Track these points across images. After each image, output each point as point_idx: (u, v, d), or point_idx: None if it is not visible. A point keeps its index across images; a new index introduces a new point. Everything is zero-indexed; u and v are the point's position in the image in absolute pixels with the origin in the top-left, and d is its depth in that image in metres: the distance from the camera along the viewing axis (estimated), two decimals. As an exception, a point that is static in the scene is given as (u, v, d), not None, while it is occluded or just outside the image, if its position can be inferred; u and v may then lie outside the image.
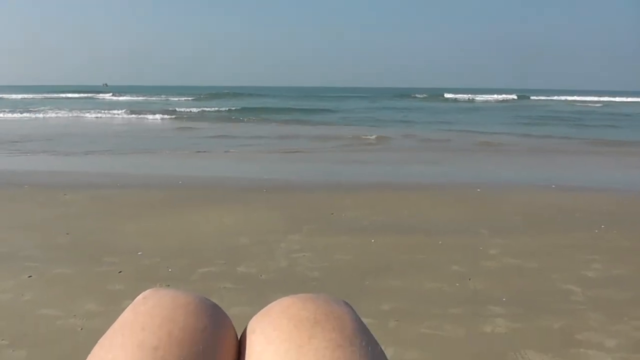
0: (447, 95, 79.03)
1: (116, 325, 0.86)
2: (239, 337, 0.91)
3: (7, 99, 66.27)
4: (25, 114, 37.74)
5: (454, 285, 5.48)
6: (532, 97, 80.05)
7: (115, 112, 38.90)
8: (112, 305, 4.89)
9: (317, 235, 7.25)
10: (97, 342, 0.82)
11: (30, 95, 74.41)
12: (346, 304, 0.92)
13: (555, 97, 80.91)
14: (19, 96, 72.47)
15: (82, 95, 77.36)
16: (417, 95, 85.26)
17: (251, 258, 6.26)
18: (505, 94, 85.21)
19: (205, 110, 41.68)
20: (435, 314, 4.78)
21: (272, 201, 9.38)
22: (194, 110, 42.39)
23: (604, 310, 4.90)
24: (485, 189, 10.56)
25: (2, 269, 5.88)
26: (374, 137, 23.35)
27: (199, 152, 18.39)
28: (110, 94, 79.42)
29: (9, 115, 36.99)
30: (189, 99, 67.81)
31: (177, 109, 41.88)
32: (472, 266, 6.06)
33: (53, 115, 37.46)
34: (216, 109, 43.58)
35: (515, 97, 76.67)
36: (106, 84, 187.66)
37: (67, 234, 7.26)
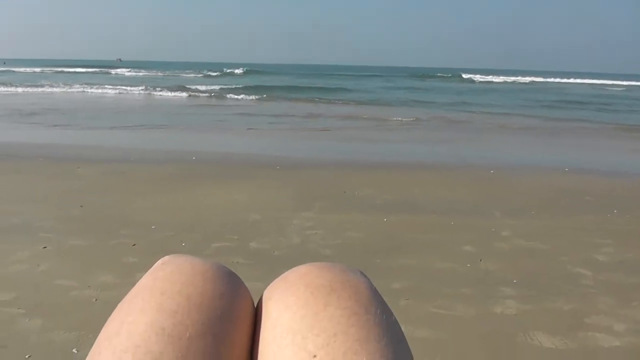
0: (464, 76, 77.13)
1: (135, 290, 0.88)
2: (255, 305, 0.93)
3: (23, 72, 66.26)
4: (43, 88, 37.19)
5: (465, 265, 5.50)
6: (551, 79, 77.72)
7: (136, 88, 37.91)
8: (126, 277, 4.94)
9: (329, 212, 7.27)
10: (112, 312, 0.84)
11: (47, 69, 74.38)
12: (362, 273, 0.93)
13: (575, 80, 78.90)
14: (36, 69, 72.53)
15: (98, 69, 77.23)
16: (438, 75, 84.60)
17: (263, 234, 6.29)
18: (522, 75, 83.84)
19: (224, 88, 40.52)
20: (445, 294, 4.80)
21: (285, 178, 9.40)
22: (214, 87, 41.40)
23: (614, 294, 4.91)
24: (499, 171, 10.55)
25: (17, 240, 5.93)
26: (391, 117, 23.15)
27: (222, 129, 18.40)
28: (129, 69, 79.04)
29: (28, 89, 36.05)
30: (204, 75, 67.44)
31: (197, 87, 40.76)
32: (484, 247, 6.07)
33: (73, 90, 36.79)
34: (234, 86, 42.45)
35: (532, 79, 74.62)
36: (120, 59, 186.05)
37: (81, 206, 7.30)
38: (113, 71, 73.74)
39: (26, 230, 6.28)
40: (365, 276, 0.93)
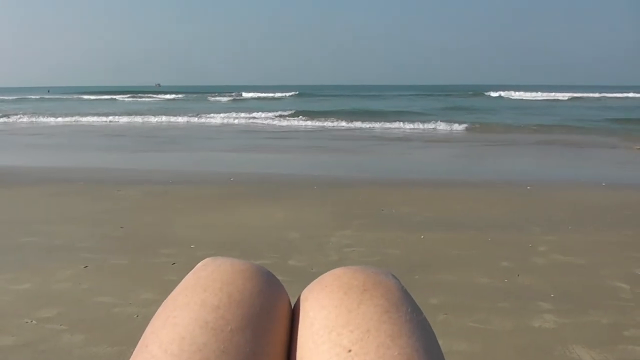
0: (493, 94, 74.39)
1: (179, 288, 0.94)
2: (292, 305, 0.98)
3: (76, 99, 66.63)
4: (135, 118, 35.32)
5: (503, 280, 5.48)
6: (590, 94, 73.73)
7: (232, 115, 35.69)
8: (166, 294, 4.93)
9: (367, 230, 7.29)
10: None
11: (94, 96, 74.86)
12: (393, 276, 0.98)
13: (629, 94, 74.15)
14: (86, 96, 73.19)
15: (152, 95, 77.24)
16: (459, 92, 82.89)
17: (302, 252, 6.33)
18: (556, 91, 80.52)
19: (297, 111, 37.84)
20: (483, 308, 4.80)
21: (323, 197, 9.45)
22: (270, 113, 37.42)
23: (653, 308, 4.87)
24: (536, 187, 10.49)
25: (60, 260, 6.04)
26: (429, 133, 23.07)
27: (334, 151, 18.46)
28: (173, 94, 78.98)
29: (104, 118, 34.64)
30: (259, 98, 67.31)
31: (261, 114, 37.16)
32: (521, 262, 6.05)
33: (170, 120, 34.24)
34: (293, 110, 39.66)
35: (571, 95, 70.82)
36: (159, 84, 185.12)
37: (122, 227, 7.42)
38: (158, 96, 74.21)
39: (67, 251, 6.39)
40: (395, 278, 0.97)
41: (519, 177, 12.12)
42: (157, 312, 0.89)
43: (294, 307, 0.97)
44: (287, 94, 73.19)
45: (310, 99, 66.07)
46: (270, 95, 71.14)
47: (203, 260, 1.03)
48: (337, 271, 0.97)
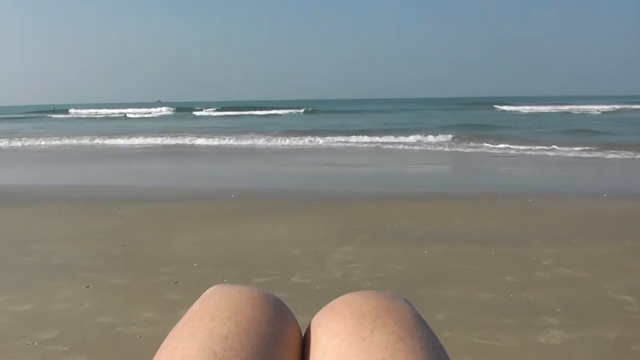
0: (501, 108, 73.58)
1: (185, 318, 0.91)
2: (302, 332, 0.96)
3: (86, 117, 66.47)
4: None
5: (508, 295, 5.45)
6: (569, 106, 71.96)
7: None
8: (169, 313, 4.97)
9: (369, 245, 7.27)
10: (156, 348, 0.87)
11: (114, 111, 75.02)
12: (406, 300, 0.95)
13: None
14: (93, 111, 73.36)
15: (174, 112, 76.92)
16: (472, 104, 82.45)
17: (304, 269, 6.30)
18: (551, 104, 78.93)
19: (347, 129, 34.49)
20: (489, 324, 4.76)
21: (324, 213, 9.43)
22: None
23: (660, 321, 4.84)
24: (537, 199, 10.48)
25: (61, 280, 6.01)
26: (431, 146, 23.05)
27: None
28: (212, 110, 78.47)
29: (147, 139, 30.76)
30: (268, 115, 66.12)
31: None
32: (526, 277, 6.01)
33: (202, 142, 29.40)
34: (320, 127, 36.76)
35: (570, 107, 69.28)
36: (160, 101, 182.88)
37: (123, 246, 7.38)
38: (153, 111, 74.27)
39: (69, 270, 6.36)
40: (409, 303, 0.95)
41: (520, 189, 12.12)
42: (163, 343, 0.87)
43: (305, 334, 0.95)
44: (294, 111, 71.76)
45: (317, 116, 64.74)
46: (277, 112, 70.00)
47: (210, 288, 1.00)
48: (348, 297, 0.95)
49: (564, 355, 4.20)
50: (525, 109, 68.44)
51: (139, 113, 73.80)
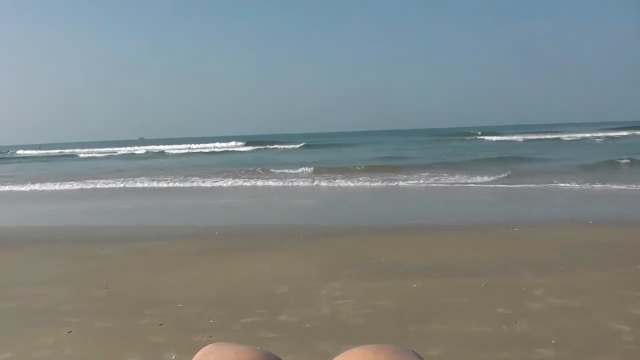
0: (498, 137, 70.78)
1: None
2: None
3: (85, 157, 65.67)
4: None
5: (501, 328, 5.35)
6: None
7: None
8: (154, 358, 4.85)
9: (357, 281, 7.17)
10: None
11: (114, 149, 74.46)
12: (416, 354, 0.87)
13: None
14: (94, 151, 72.86)
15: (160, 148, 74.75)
16: (453, 135, 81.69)
17: (292, 306, 6.20)
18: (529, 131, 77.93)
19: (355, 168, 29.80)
20: (484, 359, 4.67)
21: (309, 247, 9.34)
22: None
23: (657, 349, 4.76)
24: (523, 228, 10.45)
25: (42, 325, 5.89)
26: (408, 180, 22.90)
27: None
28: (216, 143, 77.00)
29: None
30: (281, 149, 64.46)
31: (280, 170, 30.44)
32: (517, 308, 5.93)
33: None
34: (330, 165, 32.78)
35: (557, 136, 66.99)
36: (143, 138, 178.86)
37: (106, 287, 7.27)
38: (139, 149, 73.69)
39: (50, 315, 6.25)
40: (418, 356, 0.86)
41: (505, 219, 12.08)
42: None
43: None
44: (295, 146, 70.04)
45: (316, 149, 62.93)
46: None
47: (204, 348, 0.90)
48: (356, 353, 0.86)
49: (562, 389, 4.11)
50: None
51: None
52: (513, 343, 5.00)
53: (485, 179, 22.10)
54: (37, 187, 25.58)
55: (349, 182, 22.43)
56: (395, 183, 21.72)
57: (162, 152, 66.74)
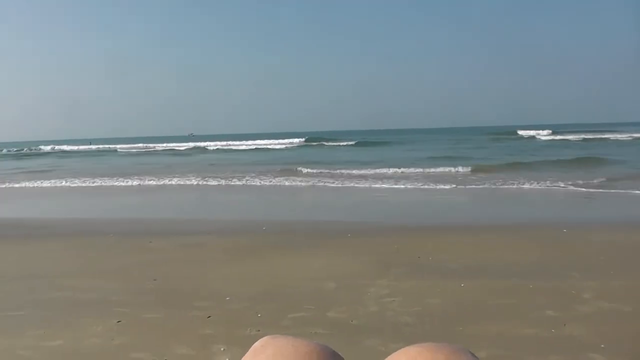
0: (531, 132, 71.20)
1: None
2: None
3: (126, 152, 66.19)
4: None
5: (550, 331, 5.29)
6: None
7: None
8: (203, 349, 4.88)
9: (405, 279, 7.14)
10: None
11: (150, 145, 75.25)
12: (472, 354, 0.87)
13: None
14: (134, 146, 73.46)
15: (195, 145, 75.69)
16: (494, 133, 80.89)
17: (340, 303, 6.20)
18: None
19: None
20: (533, 362, 4.63)
21: (358, 245, 9.34)
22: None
23: None
24: (572, 229, 10.30)
25: (92, 315, 5.97)
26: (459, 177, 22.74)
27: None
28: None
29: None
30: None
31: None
32: (566, 311, 5.85)
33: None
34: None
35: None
36: (192, 134, 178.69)
37: (155, 280, 7.34)
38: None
39: (100, 305, 6.34)
40: (474, 356, 0.86)
41: (553, 219, 11.95)
42: None
43: None
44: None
45: (320, 148, 63.58)
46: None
47: (260, 340, 0.91)
48: (412, 351, 0.86)
49: (613, 394, 4.06)
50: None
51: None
52: (562, 346, 4.94)
53: (579, 182, 19.99)
54: (104, 182, 25.77)
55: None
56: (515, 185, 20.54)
57: (217, 149, 67.04)
